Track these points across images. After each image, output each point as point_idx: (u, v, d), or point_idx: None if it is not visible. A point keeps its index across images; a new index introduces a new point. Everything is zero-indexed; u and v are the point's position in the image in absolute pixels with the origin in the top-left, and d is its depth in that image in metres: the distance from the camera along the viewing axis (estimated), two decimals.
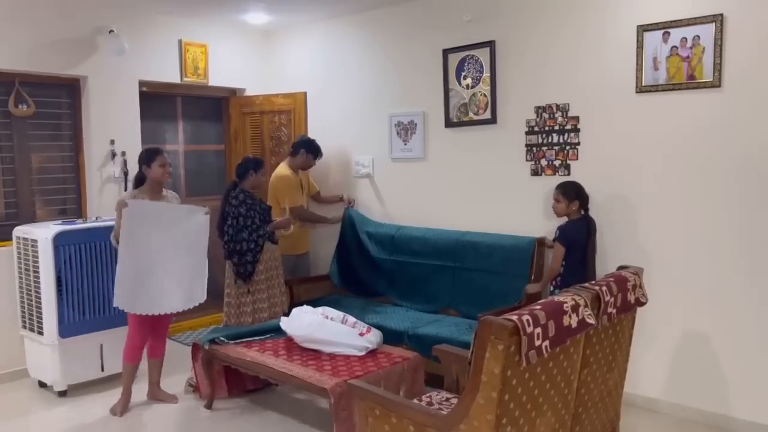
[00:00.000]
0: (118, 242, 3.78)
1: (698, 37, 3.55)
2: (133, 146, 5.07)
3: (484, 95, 4.50)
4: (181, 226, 3.86)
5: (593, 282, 2.74)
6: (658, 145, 3.77)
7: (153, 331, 3.99)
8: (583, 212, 3.79)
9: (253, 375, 3.78)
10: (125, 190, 5.02)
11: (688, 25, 3.57)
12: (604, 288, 2.62)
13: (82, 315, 4.19)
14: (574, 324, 2.37)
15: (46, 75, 4.69)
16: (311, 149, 5.05)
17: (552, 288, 3.78)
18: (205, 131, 6.02)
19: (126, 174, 5.00)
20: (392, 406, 2.53)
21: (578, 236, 3.71)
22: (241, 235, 4.29)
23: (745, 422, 3.54)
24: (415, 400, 2.82)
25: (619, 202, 3.92)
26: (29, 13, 4.51)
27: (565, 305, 2.37)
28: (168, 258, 3.82)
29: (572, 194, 3.77)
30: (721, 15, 3.46)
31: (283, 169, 5.01)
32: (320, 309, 3.80)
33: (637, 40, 3.76)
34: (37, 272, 4.10)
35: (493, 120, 4.47)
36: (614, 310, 2.65)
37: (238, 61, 5.81)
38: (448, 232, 4.63)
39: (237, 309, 4.34)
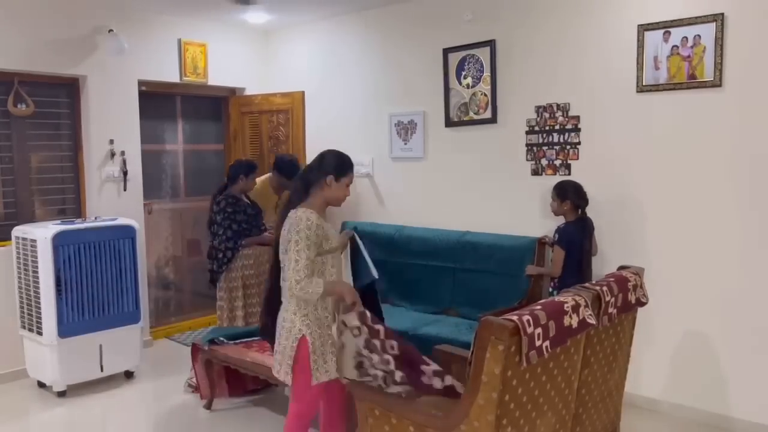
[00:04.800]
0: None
1: (699, 36, 3.54)
2: (132, 146, 5.07)
3: (485, 95, 4.49)
4: None
5: (594, 282, 2.73)
6: (658, 144, 3.76)
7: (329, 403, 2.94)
8: (579, 212, 3.77)
9: (253, 375, 3.77)
10: (124, 189, 5.01)
11: (689, 24, 3.57)
12: (604, 288, 2.61)
13: (82, 315, 4.18)
14: (574, 324, 2.36)
15: (45, 75, 4.68)
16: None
17: (551, 289, 3.77)
18: (205, 131, 6.01)
19: (125, 174, 4.99)
20: (392, 406, 2.53)
21: (576, 237, 3.71)
22: (214, 243, 4.29)
23: (745, 422, 3.53)
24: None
25: (620, 201, 3.92)
26: (28, 13, 4.50)
27: (565, 305, 2.37)
28: None
29: (563, 193, 3.77)
30: (722, 14, 3.45)
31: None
32: None
33: (638, 40, 3.76)
34: (36, 272, 4.09)
35: (493, 119, 4.47)
36: (615, 311, 2.65)
37: (238, 60, 5.80)
38: (449, 232, 4.62)
39: (230, 312, 4.33)
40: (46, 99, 4.78)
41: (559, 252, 3.70)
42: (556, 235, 3.75)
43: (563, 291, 2.63)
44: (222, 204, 4.26)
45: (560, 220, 3.84)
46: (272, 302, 2.80)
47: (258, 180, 4.70)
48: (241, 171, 4.35)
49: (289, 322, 2.67)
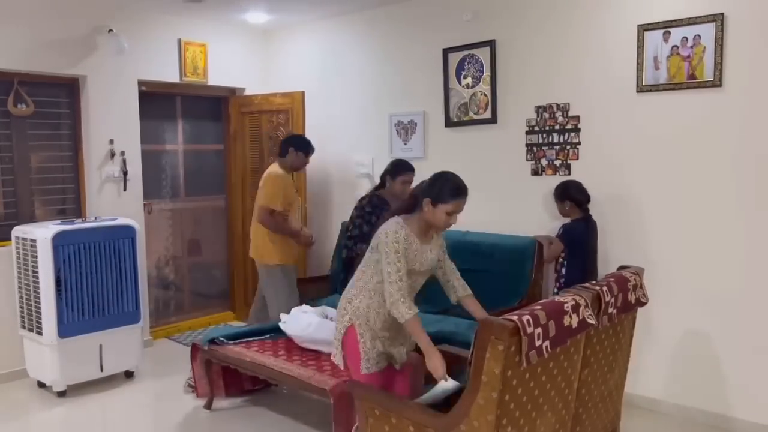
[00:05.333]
0: None
1: (699, 36, 3.54)
2: (132, 146, 5.07)
3: (485, 95, 4.49)
4: None
5: (594, 282, 2.74)
6: (658, 144, 3.76)
7: None
8: (582, 212, 3.79)
9: (253, 375, 3.77)
10: (124, 189, 5.01)
11: (689, 24, 3.57)
12: (604, 288, 2.61)
13: (82, 315, 4.18)
14: (574, 324, 2.36)
15: (45, 75, 4.68)
16: (300, 146, 4.45)
17: (555, 290, 3.78)
18: (205, 131, 6.00)
19: (125, 174, 4.99)
20: (392, 406, 2.53)
21: (578, 236, 3.72)
22: (344, 239, 4.29)
23: (745, 422, 3.53)
24: None
25: (620, 201, 3.91)
26: (28, 13, 4.49)
27: (565, 305, 2.37)
28: None
29: (563, 194, 3.82)
30: (722, 14, 3.45)
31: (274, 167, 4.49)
32: (320, 309, 3.80)
33: (638, 40, 3.76)
34: (36, 272, 4.09)
35: (493, 119, 4.47)
36: (615, 310, 2.65)
37: (238, 60, 5.80)
38: (448, 232, 4.54)
39: None
40: (46, 99, 4.78)
41: (558, 244, 3.75)
42: (560, 230, 3.79)
43: (563, 291, 2.63)
44: (363, 202, 4.16)
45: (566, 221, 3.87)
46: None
47: (277, 173, 4.35)
48: (386, 173, 4.17)
49: (343, 309, 2.80)
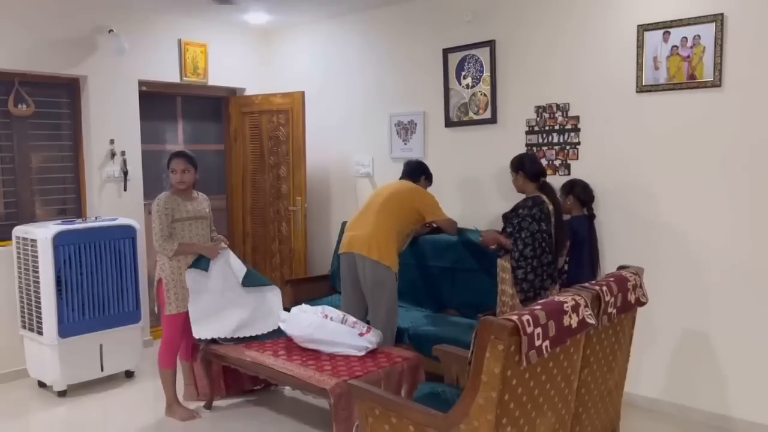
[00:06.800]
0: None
1: (699, 36, 3.54)
2: (132, 146, 5.07)
3: (484, 95, 4.50)
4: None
5: (593, 282, 2.74)
6: (658, 144, 3.76)
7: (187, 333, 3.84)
8: (585, 210, 3.84)
9: (253, 375, 3.78)
10: (125, 189, 5.03)
11: (689, 24, 3.57)
12: (604, 288, 2.61)
13: (82, 315, 4.19)
14: (574, 324, 2.36)
15: (45, 75, 4.68)
16: (430, 177, 4.39)
17: (558, 285, 3.79)
18: (205, 131, 6.01)
19: (126, 173, 5.00)
20: (392, 406, 2.53)
21: (581, 232, 3.76)
22: None
23: (745, 422, 3.54)
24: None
25: (619, 201, 3.92)
26: (29, 13, 4.50)
27: (565, 305, 2.37)
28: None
29: (566, 189, 3.91)
30: (722, 15, 3.46)
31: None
32: (320, 309, 3.79)
33: (638, 40, 3.76)
34: (37, 272, 4.09)
35: (493, 120, 4.47)
36: (614, 310, 2.65)
37: (238, 60, 5.81)
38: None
39: None
40: (47, 99, 4.79)
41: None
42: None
43: (563, 290, 2.63)
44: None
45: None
46: None
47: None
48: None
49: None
